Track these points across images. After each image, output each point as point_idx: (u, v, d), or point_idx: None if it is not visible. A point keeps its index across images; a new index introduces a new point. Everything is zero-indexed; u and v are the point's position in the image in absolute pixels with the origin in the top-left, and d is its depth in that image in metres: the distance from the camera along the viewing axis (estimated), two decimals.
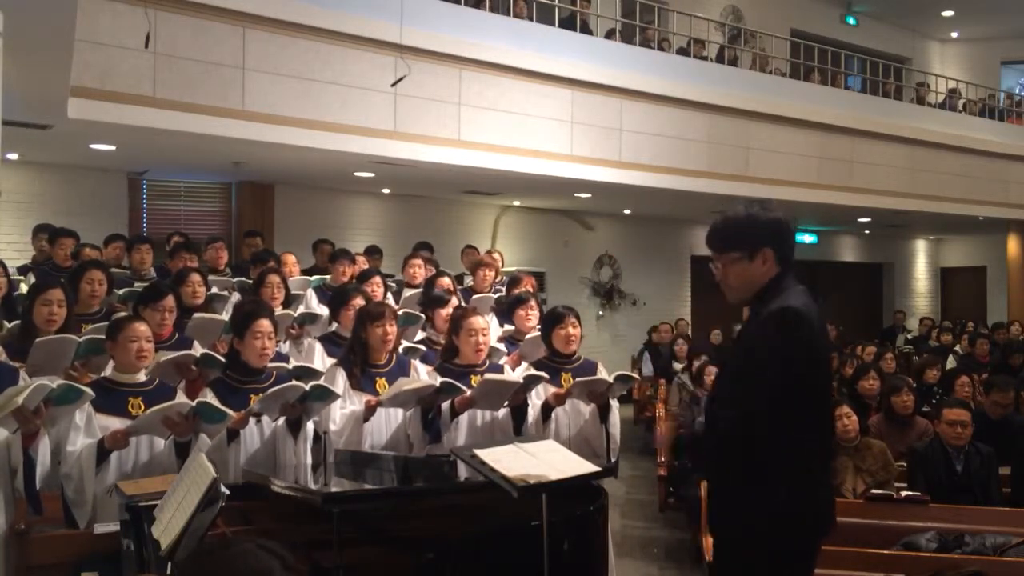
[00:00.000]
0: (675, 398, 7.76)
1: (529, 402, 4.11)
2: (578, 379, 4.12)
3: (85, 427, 3.39)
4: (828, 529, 2.59)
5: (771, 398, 2.42)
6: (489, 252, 8.16)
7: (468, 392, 4.01)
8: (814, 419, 2.50)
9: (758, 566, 2.49)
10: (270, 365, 3.93)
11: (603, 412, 4.18)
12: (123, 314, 4.30)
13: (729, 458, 2.53)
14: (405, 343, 4.90)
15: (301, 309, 5.91)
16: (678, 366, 9.46)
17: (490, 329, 4.56)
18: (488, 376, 4.03)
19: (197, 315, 4.90)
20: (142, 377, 3.63)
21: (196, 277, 5.32)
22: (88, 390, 3.30)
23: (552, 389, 4.16)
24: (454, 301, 5.08)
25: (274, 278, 5.58)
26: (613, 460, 4.21)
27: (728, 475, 2.56)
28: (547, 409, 4.14)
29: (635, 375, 4.37)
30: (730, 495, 2.55)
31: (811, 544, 2.56)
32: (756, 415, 2.43)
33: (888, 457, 4.95)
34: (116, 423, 3.38)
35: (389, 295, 6.40)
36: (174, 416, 3.29)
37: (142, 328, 3.63)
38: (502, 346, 5.03)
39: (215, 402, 3.57)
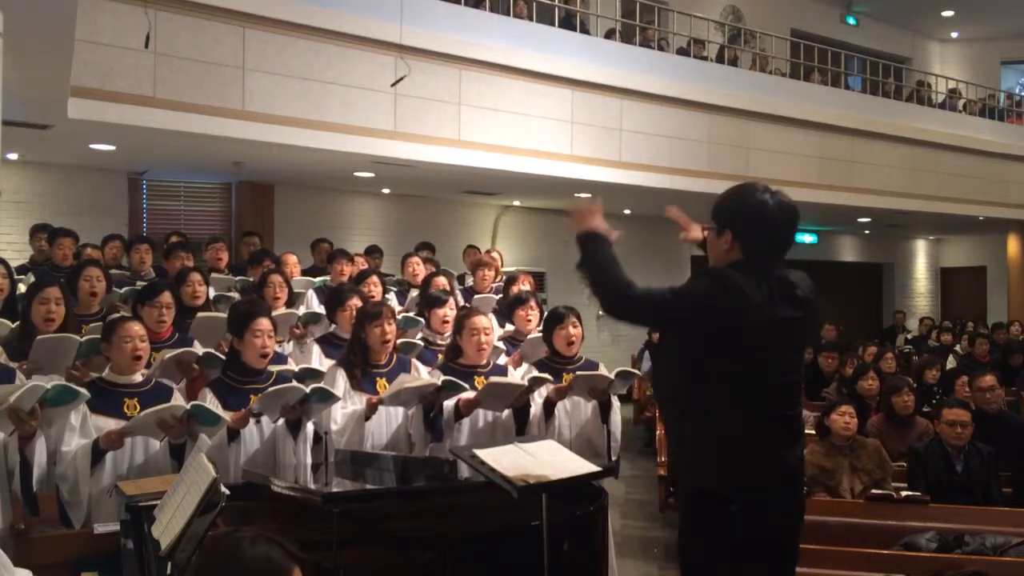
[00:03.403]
0: None
1: (531, 401, 4.11)
2: (579, 373, 4.12)
3: (80, 428, 3.38)
4: (773, 531, 2.53)
5: (671, 305, 2.51)
6: (488, 252, 8.16)
7: (471, 393, 4.01)
8: (725, 387, 2.48)
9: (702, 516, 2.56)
10: (272, 368, 3.92)
11: (604, 411, 4.18)
12: (118, 315, 4.29)
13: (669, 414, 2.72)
14: (401, 339, 4.88)
15: (302, 309, 5.92)
16: None
17: (492, 328, 4.56)
18: (493, 379, 4.03)
19: (201, 314, 4.89)
20: (138, 378, 3.61)
21: (196, 276, 5.31)
22: (84, 391, 3.28)
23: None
24: (451, 302, 5.07)
25: (276, 278, 5.57)
26: (614, 459, 4.21)
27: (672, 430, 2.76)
28: (549, 406, 4.14)
29: (636, 371, 4.38)
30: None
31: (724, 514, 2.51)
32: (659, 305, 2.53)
33: (883, 455, 4.95)
34: (111, 424, 3.37)
35: (393, 295, 6.40)
36: (168, 418, 3.27)
37: (136, 328, 3.60)
38: (502, 345, 5.02)
39: (215, 402, 3.57)
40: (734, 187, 2.65)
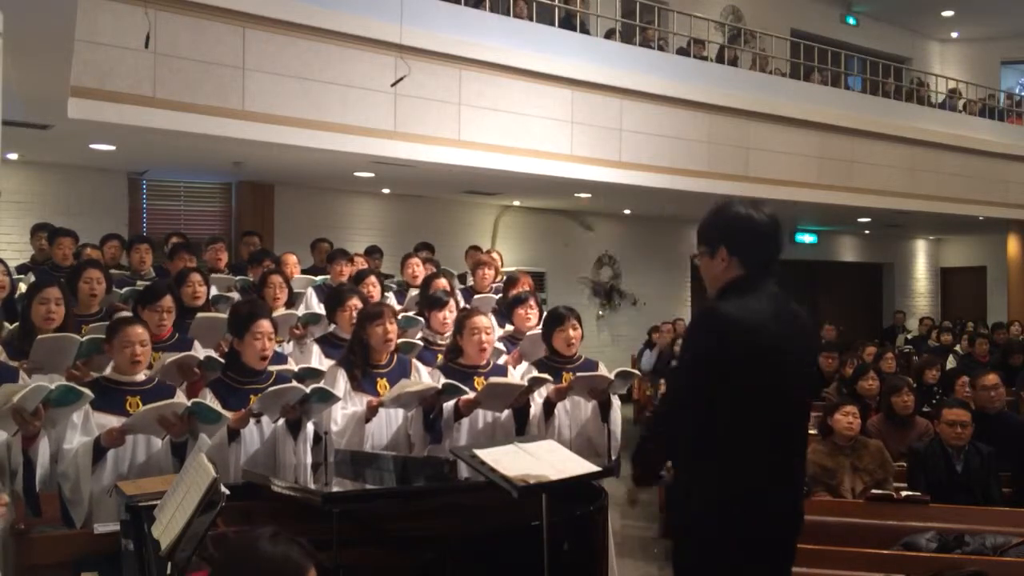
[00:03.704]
0: None
1: (531, 401, 4.11)
2: (579, 374, 4.12)
3: (82, 426, 3.38)
4: (772, 531, 2.52)
5: (684, 389, 2.53)
6: (488, 251, 8.16)
7: (471, 394, 4.01)
8: (745, 421, 2.44)
9: (700, 559, 2.51)
10: (273, 368, 3.92)
11: (604, 410, 4.18)
12: (124, 314, 4.30)
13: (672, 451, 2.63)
14: (401, 340, 4.87)
15: (302, 309, 5.91)
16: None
17: (493, 328, 4.55)
18: (493, 380, 4.03)
19: (200, 315, 4.89)
20: (141, 376, 3.63)
21: (196, 277, 5.31)
22: (87, 391, 3.29)
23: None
24: (451, 303, 5.07)
25: (276, 278, 5.58)
26: (614, 459, 4.21)
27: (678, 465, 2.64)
28: (548, 406, 4.14)
29: (636, 371, 4.37)
30: (678, 486, 2.62)
31: (750, 543, 2.48)
32: (670, 410, 2.57)
33: (885, 456, 4.95)
34: (114, 421, 3.37)
35: (391, 296, 6.40)
36: (169, 416, 3.27)
37: (138, 331, 3.60)
38: (501, 345, 5.02)
39: (215, 402, 3.57)
40: (714, 207, 2.66)
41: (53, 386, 3.16)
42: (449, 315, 4.92)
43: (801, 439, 2.68)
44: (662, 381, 8.78)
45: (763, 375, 2.47)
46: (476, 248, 8.66)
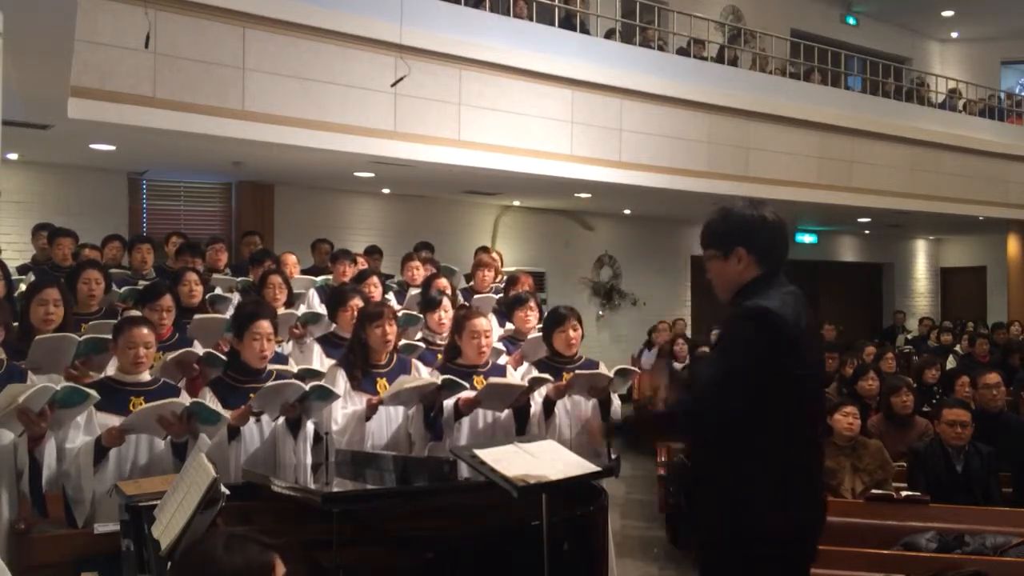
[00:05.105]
0: None
1: (531, 400, 4.11)
2: (578, 372, 4.12)
3: (85, 425, 3.38)
4: (805, 540, 2.50)
5: (731, 390, 2.41)
6: (487, 252, 8.15)
7: (471, 392, 4.01)
8: (784, 422, 2.43)
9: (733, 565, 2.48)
10: (274, 368, 3.92)
11: (604, 409, 4.18)
12: (133, 313, 4.31)
13: (702, 454, 2.59)
14: (403, 341, 4.89)
15: (303, 308, 5.92)
16: (678, 366, 9.45)
17: (492, 329, 4.56)
18: (493, 380, 4.03)
19: (198, 316, 4.90)
20: (146, 376, 3.63)
21: (193, 276, 5.32)
22: (93, 393, 3.28)
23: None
24: (447, 303, 5.08)
25: (276, 278, 5.58)
26: (614, 459, 4.20)
27: (704, 474, 2.59)
28: (548, 405, 4.14)
29: (635, 369, 4.39)
30: (706, 495, 2.56)
31: (785, 552, 2.45)
32: (715, 409, 2.46)
33: (885, 456, 4.95)
34: (116, 422, 3.37)
35: (391, 296, 6.40)
36: (168, 415, 3.27)
37: (143, 332, 3.60)
38: (501, 345, 5.02)
39: (214, 401, 3.57)
40: (721, 210, 2.63)
41: (59, 387, 3.16)
42: (444, 315, 4.93)
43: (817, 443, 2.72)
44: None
45: (808, 369, 2.49)
46: (484, 249, 8.65)
